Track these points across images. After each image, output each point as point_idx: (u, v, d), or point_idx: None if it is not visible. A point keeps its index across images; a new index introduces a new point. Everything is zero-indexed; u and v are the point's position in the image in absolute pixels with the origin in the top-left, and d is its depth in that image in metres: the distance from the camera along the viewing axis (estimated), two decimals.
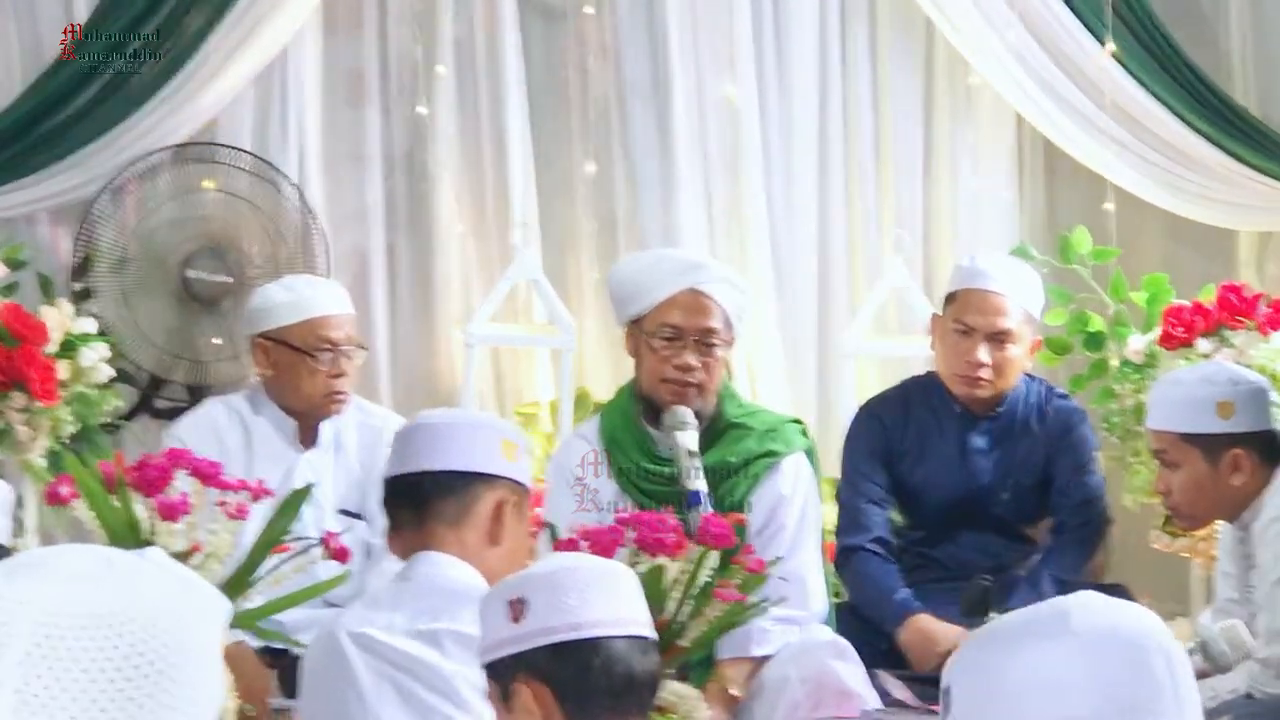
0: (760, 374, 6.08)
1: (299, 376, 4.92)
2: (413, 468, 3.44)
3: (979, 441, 5.08)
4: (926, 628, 4.86)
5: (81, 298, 5.77)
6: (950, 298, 5.08)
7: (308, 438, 4.96)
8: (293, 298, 4.96)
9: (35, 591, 1.71)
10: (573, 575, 2.70)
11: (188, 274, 5.84)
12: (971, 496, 5.08)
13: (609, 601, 2.69)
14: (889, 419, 5.14)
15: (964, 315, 5.01)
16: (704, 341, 4.51)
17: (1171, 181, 6.06)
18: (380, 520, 4.90)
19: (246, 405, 4.99)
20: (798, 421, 4.70)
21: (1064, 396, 5.21)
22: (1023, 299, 5.02)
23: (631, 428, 4.58)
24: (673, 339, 4.52)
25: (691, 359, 4.50)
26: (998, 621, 1.95)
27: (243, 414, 4.96)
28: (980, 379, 5.01)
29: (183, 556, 3.77)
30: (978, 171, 6.29)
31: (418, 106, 6.23)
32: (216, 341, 5.88)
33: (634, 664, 2.67)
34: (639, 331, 4.57)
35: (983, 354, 4.98)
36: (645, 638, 2.71)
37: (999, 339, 4.99)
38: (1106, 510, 5.14)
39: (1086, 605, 1.93)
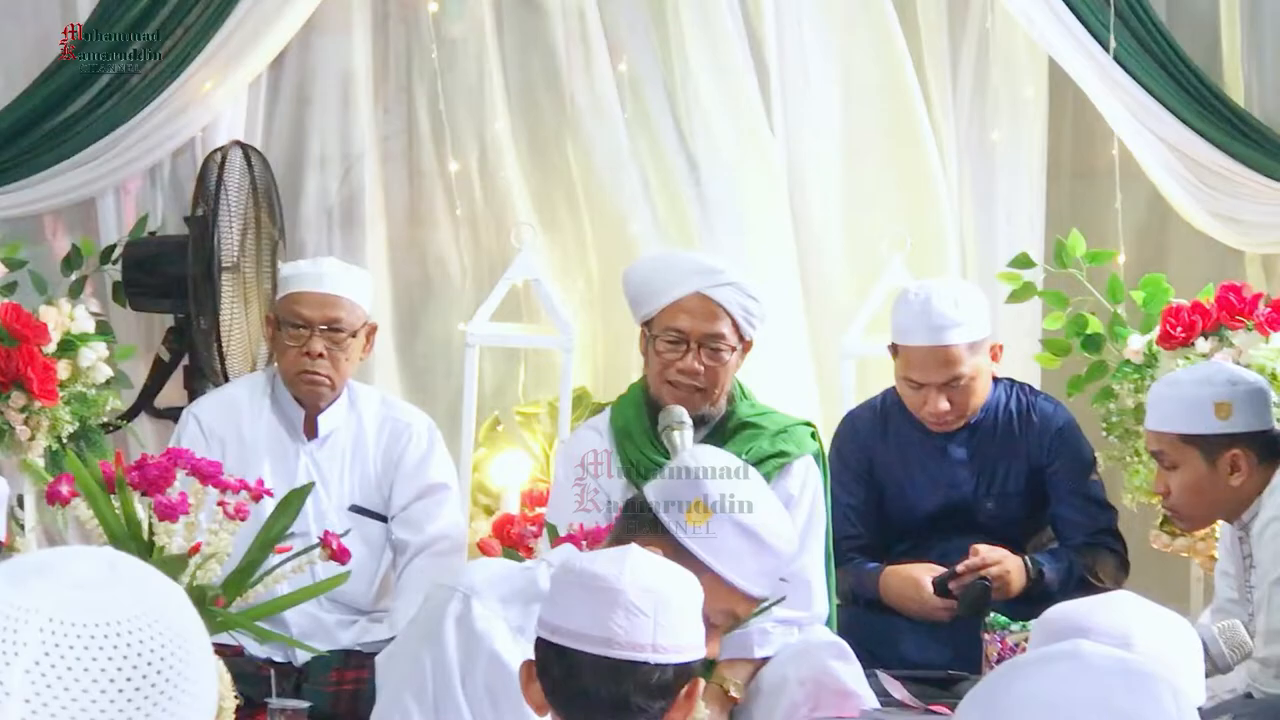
0: (754, 376, 6.06)
1: (278, 352, 4.94)
2: None
3: (958, 452, 5.04)
4: (903, 568, 4.89)
5: (75, 291, 5.77)
6: (894, 348, 5.00)
7: (310, 429, 4.95)
8: (289, 273, 4.98)
9: (42, 598, 1.71)
10: (573, 578, 2.70)
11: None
12: (956, 506, 5.05)
13: (595, 614, 2.64)
14: (868, 431, 5.13)
15: (911, 374, 4.94)
16: (708, 346, 4.51)
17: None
18: (413, 515, 4.91)
19: (268, 388, 4.98)
20: (809, 424, 4.69)
21: (1048, 399, 5.16)
22: (967, 332, 4.90)
23: (643, 421, 4.58)
24: (677, 342, 4.52)
25: (695, 363, 4.50)
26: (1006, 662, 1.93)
27: (263, 397, 4.95)
28: (947, 423, 4.98)
29: (182, 558, 3.77)
30: (978, 170, 6.28)
31: (418, 106, 6.24)
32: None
33: (598, 684, 2.63)
34: (648, 332, 4.58)
35: (941, 404, 4.92)
36: (626, 661, 2.62)
37: (954, 383, 4.92)
38: (1119, 544, 5.09)
39: (1098, 645, 1.92)
